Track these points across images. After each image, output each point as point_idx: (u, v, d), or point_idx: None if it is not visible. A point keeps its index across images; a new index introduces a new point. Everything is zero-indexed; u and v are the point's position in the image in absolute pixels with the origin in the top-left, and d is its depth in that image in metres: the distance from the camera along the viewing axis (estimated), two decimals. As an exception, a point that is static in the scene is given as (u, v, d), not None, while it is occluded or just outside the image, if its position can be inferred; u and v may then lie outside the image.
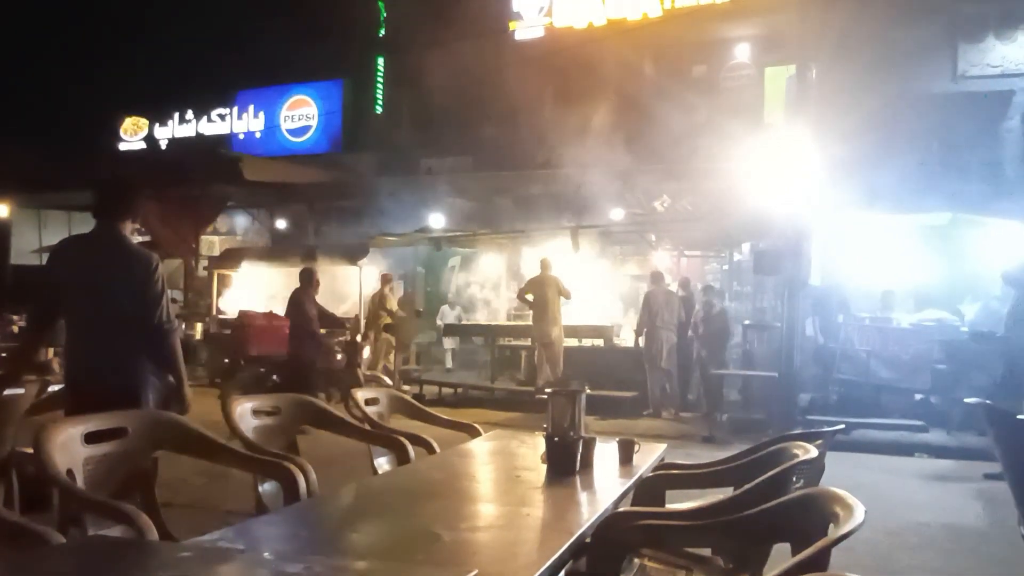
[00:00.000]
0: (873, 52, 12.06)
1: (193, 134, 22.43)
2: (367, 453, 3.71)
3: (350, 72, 20.37)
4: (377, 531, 2.35)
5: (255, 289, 14.58)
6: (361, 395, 4.07)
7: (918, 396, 9.90)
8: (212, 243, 18.18)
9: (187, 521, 3.44)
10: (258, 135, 21.55)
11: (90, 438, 2.64)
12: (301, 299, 9.33)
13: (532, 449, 3.45)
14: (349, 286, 13.45)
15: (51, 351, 6.77)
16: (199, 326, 14.72)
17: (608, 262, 13.49)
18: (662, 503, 3.08)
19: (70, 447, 2.54)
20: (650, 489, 3.10)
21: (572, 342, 11.68)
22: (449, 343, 15.50)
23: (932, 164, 11.51)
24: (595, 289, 12.86)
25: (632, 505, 2.94)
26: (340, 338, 10.17)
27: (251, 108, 21.75)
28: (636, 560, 2.58)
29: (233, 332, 12.59)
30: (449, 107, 16.78)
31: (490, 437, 4.04)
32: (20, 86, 22.39)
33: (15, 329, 11.30)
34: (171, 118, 22.67)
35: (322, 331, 9.77)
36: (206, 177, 15.45)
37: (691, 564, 2.69)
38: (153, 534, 2.30)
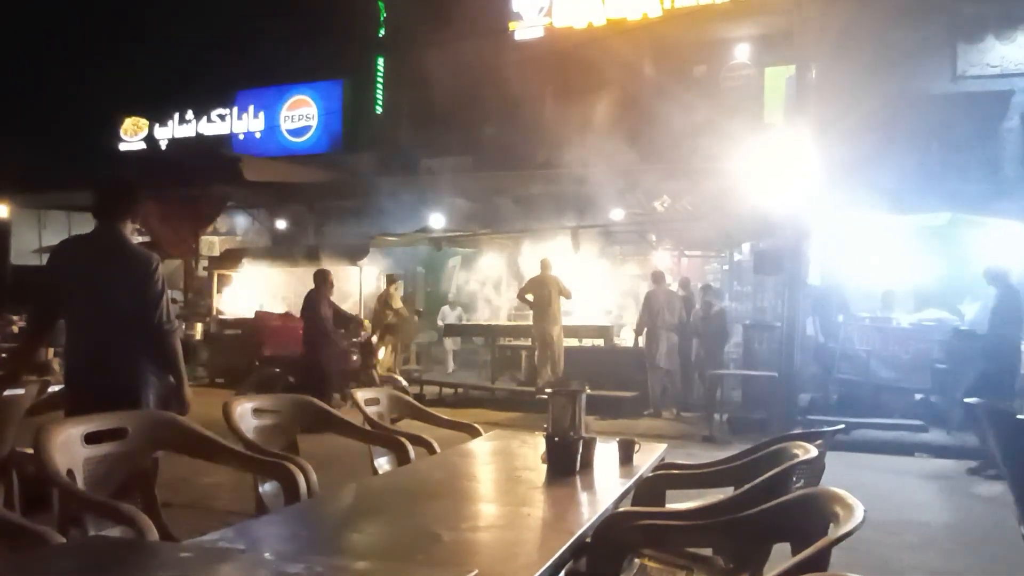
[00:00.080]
0: (873, 52, 12.07)
1: (193, 134, 22.42)
2: (367, 453, 3.71)
3: (350, 72, 20.36)
4: (377, 531, 2.35)
5: (255, 289, 14.60)
6: (361, 395, 4.07)
7: (918, 396, 9.91)
8: (212, 243, 18.18)
9: (187, 521, 3.44)
10: (258, 135, 21.54)
11: (90, 438, 2.64)
12: (315, 300, 9.42)
13: (532, 449, 3.45)
14: (349, 286, 13.45)
15: (51, 351, 6.78)
16: (199, 326, 14.72)
17: (608, 262, 13.49)
18: (662, 503, 3.08)
19: (70, 447, 2.54)
20: (650, 489, 3.10)
21: (572, 342, 11.68)
22: (450, 343, 15.50)
23: (932, 164, 11.53)
24: (595, 289, 12.86)
25: (632, 505, 2.94)
26: (355, 339, 10.19)
27: (251, 108, 21.74)
28: (636, 560, 2.58)
29: (249, 332, 12.68)
30: (449, 107, 16.78)
31: (490, 437, 4.04)
32: (20, 86, 22.40)
33: (15, 329, 11.31)
34: (171, 118, 22.66)
35: (340, 331, 9.81)
36: (206, 177, 15.47)
37: (691, 564, 2.69)
38: (153, 534, 2.30)
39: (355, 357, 10.06)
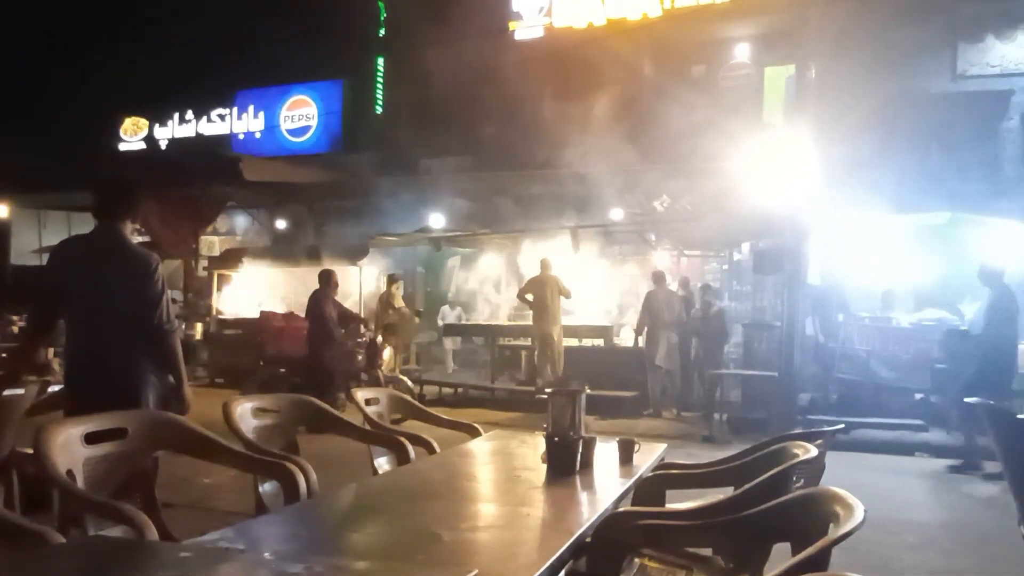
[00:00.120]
0: (872, 52, 12.07)
1: (193, 134, 22.42)
2: (367, 453, 3.71)
3: (350, 72, 20.35)
4: (377, 531, 2.35)
5: (255, 289, 14.60)
6: (361, 395, 4.08)
7: (918, 396, 9.91)
8: (212, 243, 18.18)
9: (187, 521, 3.44)
10: (258, 135, 21.54)
11: (90, 438, 2.64)
12: (320, 300, 9.45)
13: (532, 449, 3.45)
14: (349, 286, 13.46)
15: (51, 351, 6.78)
16: (199, 326, 14.73)
17: (608, 262, 13.49)
18: (662, 503, 3.08)
19: (70, 447, 2.54)
20: (650, 489, 3.10)
21: (572, 342, 11.68)
22: (449, 343, 15.50)
23: (931, 163, 11.53)
24: (595, 289, 12.87)
25: (632, 505, 2.94)
26: (360, 339, 10.21)
27: (251, 108, 21.74)
28: (636, 560, 2.58)
29: (253, 333, 12.69)
30: (449, 107, 16.77)
31: (490, 437, 4.04)
32: (20, 86, 22.39)
33: (15, 329, 11.31)
34: (171, 118, 22.66)
35: (344, 331, 9.83)
36: (206, 177, 15.46)
37: (691, 564, 2.69)
38: (153, 534, 2.30)
39: (360, 357, 10.08)
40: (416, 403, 4.70)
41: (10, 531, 2.03)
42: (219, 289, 15.16)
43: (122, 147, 23.02)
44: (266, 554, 2.02)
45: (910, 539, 5.33)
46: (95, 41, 22.07)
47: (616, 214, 13.26)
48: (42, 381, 4.20)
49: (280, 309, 13.36)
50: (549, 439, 3.01)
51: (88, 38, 22.26)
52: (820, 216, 10.15)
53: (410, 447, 3.56)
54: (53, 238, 14.78)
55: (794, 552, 1.96)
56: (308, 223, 16.74)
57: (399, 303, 12.55)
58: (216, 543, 1.99)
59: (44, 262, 4.28)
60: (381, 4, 19.63)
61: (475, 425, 4.14)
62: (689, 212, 12.84)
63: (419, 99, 17.97)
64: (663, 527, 2.41)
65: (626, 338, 12.00)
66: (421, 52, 15.69)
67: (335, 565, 1.80)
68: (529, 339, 11.79)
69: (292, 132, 21.15)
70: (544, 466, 3.02)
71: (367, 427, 3.87)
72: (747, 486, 2.56)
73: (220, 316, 14.67)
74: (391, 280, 12.66)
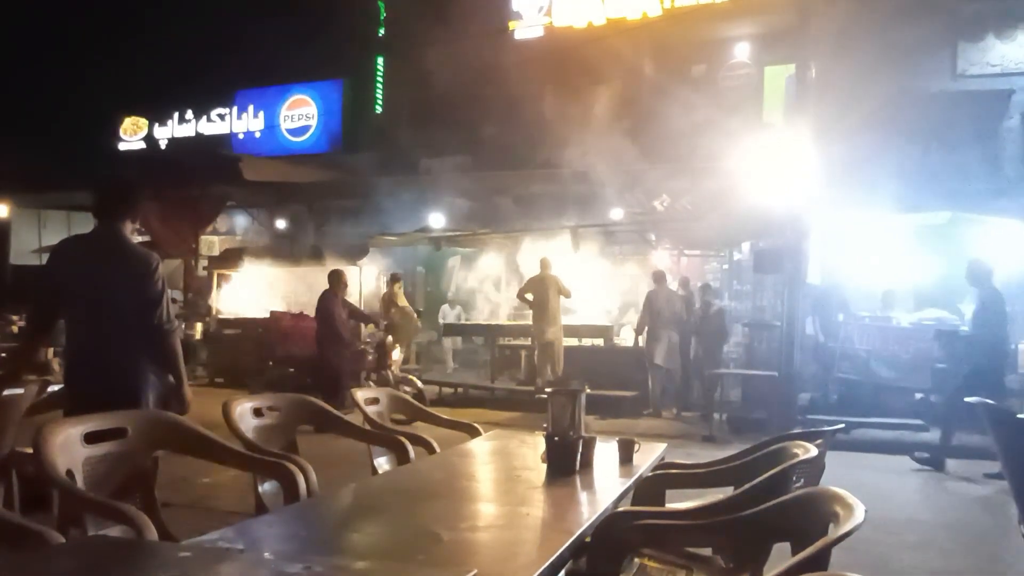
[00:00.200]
0: (873, 51, 12.06)
1: (193, 134, 22.42)
2: (367, 453, 3.71)
3: (350, 72, 20.35)
4: (377, 531, 2.35)
5: (254, 289, 14.59)
6: (361, 395, 4.08)
7: (918, 395, 9.90)
8: (212, 243, 18.18)
9: (187, 521, 3.44)
10: (258, 135, 21.53)
11: (90, 438, 2.64)
12: (329, 300, 9.47)
13: (532, 449, 3.45)
14: (349, 285, 13.46)
15: (51, 351, 6.78)
16: (199, 326, 14.73)
17: (608, 262, 13.49)
18: (662, 503, 3.08)
19: (70, 447, 2.54)
20: (650, 489, 3.10)
21: (572, 342, 11.68)
22: (449, 343, 15.50)
23: (932, 163, 11.53)
24: (595, 289, 12.87)
25: (632, 505, 2.94)
26: (368, 339, 10.23)
27: (251, 108, 21.73)
28: (636, 560, 2.58)
29: (254, 332, 12.70)
30: (449, 107, 16.76)
31: (490, 437, 4.04)
32: (20, 86, 22.38)
33: (15, 329, 11.31)
34: (171, 118, 22.65)
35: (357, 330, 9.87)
36: (206, 177, 15.46)
37: (691, 564, 2.69)
38: (153, 534, 2.30)
39: (371, 357, 10.09)
40: (416, 403, 4.69)
41: (10, 531, 2.03)
42: (219, 288, 15.16)
43: (122, 147, 23.01)
44: (266, 554, 2.02)
45: (910, 539, 5.33)
46: (95, 41, 22.07)
47: (616, 214, 13.26)
48: (42, 381, 4.20)
49: (280, 309, 13.36)
50: (549, 439, 3.01)
51: (88, 38, 22.27)
52: (820, 216, 10.15)
53: (410, 447, 3.56)
54: (53, 238, 14.78)
55: (794, 552, 1.96)
56: (308, 223, 16.74)
57: (402, 302, 12.56)
58: (216, 543, 1.98)
59: (44, 262, 4.27)
60: (381, 4, 19.62)
61: (475, 425, 4.14)
62: (689, 212, 12.83)
63: (419, 99, 17.97)
64: (663, 527, 2.41)
65: (626, 338, 12.01)
66: (421, 52, 15.68)
67: (335, 565, 1.80)
68: (529, 339, 11.79)
69: (292, 132, 21.15)
70: (544, 466, 3.02)
71: (367, 427, 3.87)
72: (747, 486, 2.56)
73: (220, 316, 14.68)
74: (394, 279, 12.67)
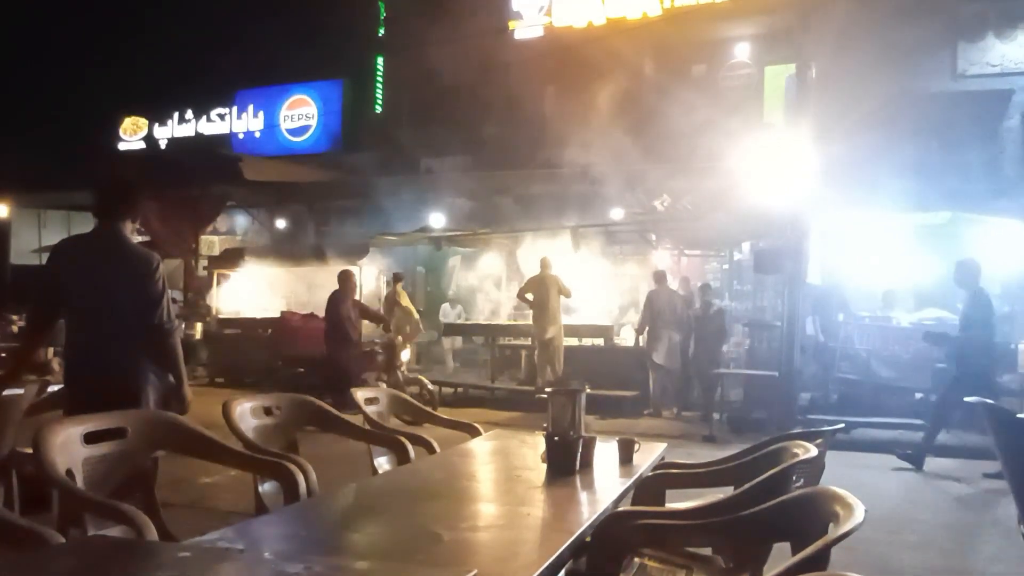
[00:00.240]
0: (873, 51, 12.07)
1: (193, 134, 22.43)
2: (367, 453, 3.71)
3: (350, 72, 20.36)
4: (377, 531, 2.35)
5: (256, 289, 14.60)
6: (361, 395, 4.07)
7: (918, 395, 9.90)
8: (212, 243, 18.19)
9: (187, 521, 3.44)
10: (258, 135, 21.54)
11: (90, 438, 2.64)
12: (338, 301, 9.48)
13: (532, 449, 3.45)
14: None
15: (51, 351, 6.78)
16: (199, 326, 14.73)
17: (608, 261, 13.49)
18: (662, 503, 3.08)
19: (70, 447, 2.54)
20: (650, 488, 3.10)
21: (572, 341, 11.68)
22: (449, 342, 15.50)
23: (932, 163, 11.52)
24: (595, 288, 12.86)
25: (632, 505, 2.94)
26: (378, 340, 10.23)
27: (251, 108, 21.74)
28: (636, 560, 2.58)
29: (255, 331, 12.68)
30: (449, 106, 16.79)
31: (490, 437, 4.04)
32: (20, 86, 22.40)
33: (15, 329, 11.30)
34: (171, 118, 22.66)
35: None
36: (206, 177, 15.47)
37: (691, 564, 2.69)
38: (153, 534, 2.30)
39: (380, 358, 10.09)
40: (415, 402, 4.69)
41: (10, 531, 2.03)
42: (219, 288, 15.17)
43: (122, 147, 23.03)
44: (266, 554, 2.02)
45: (910, 538, 5.33)
46: (95, 41, 22.09)
47: (617, 213, 13.26)
48: (42, 381, 4.20)
49: (280, 308, 13.36)
50: (549, 439, 3.01)
51: (88, 38, 22.29)
52: (820, 216, 10.15)
53: (410, 447, 3.56)
54: (53, 238, 14.79)
55: (794, 552, 1.96)
56: (308, 223, 16.75)
57: (405, 302, 12.57)
58: (216, 543, 1.98)
59: (44, 262, 4.27)
60: (381, 4, 19.63)
61: (475, 425, 4.13)
62: (690, 212, 12.84)
63: (419, 98, 17.99)
64: (663, 527, 2.41)
65: (626, 337, 12.00)
66: (421, 51, 15.68)
67: (335, 565, 1.80)
68: (529, 339, 11.79)
69: (292, 132, 21.15)
70: (544, 466, 3.02)
71: (367, 427, 3.87)
72: (747, 486, 2.55)
73: (220, 316, 14.68)
74: (396, 279, 12.68)
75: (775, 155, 9.72)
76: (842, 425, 4.07)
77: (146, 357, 3.66)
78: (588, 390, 3.16)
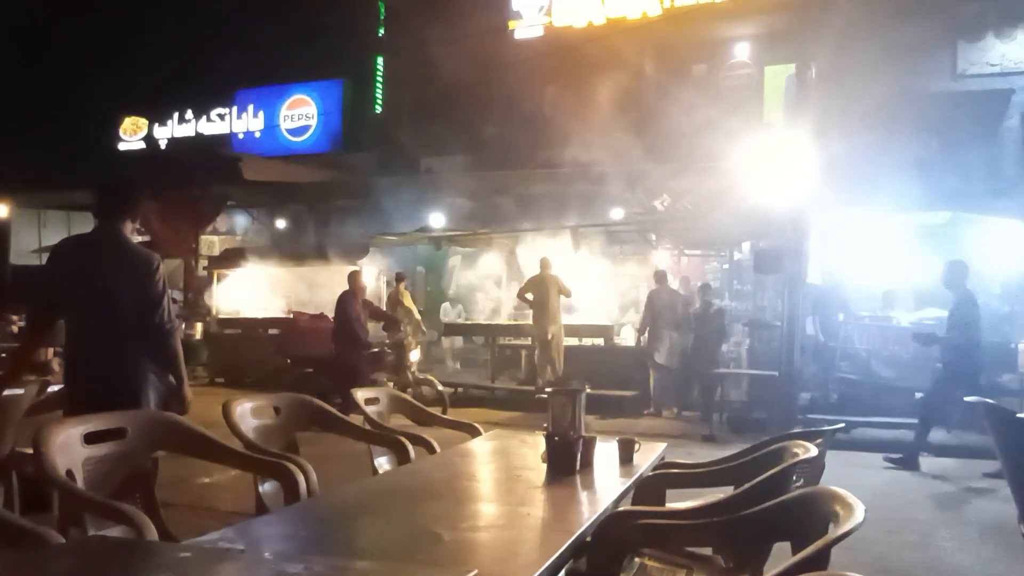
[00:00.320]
0: (873, 51, 12.07)
1: (193, 134, 22.43)
2: (367, 453, 3.71)
3: (350, 72, 20.36)
4: (377, 531, 2.35)
5: (256, 289, 14.60)
6: (361, 395, 4.07)
7: (918, 395, 9.88)
8: (212, 243, 18.19)
9: (187, 521, 3.44)
10: (258, 135, 21.54)
11: (90, 438, 2.64)
12: (347, 301, 9.48)
13: (532, 448, 3.45)
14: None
15: (51, 351, 6.78)
16: (199, 326, 14.73)
17: (608, 261, 13.49)
18: (662, 502, 3.08)
19: (70, 447, 2.54)
20: (650, 488, 3.10)
21: (572, 341, 11.68)
22: (449, 342, 15.50)
23: (932, 163, 11.52)
24: (595, 288, 12.86)
25: (632, 504, 2.94)
26: (387, 340, 10.23)
27: (251, 108, 21.74)
28: (636, 559, 2.58)
29: (255, 331, 12.65)
30: (449, 106, 16.77)
31: (490, 437, 4.04)
32: (20, 86, 22.38)
33: (15, 329, 11.30)
34: (171, 118, 22.66)
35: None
36: (206, 177, 15.48)
37: (691, 563, 2.69)
38: (153, 534, 2.30)
39: (390, 358, 10.08)
40: (415, 402, 4.70)
41: (10, 531, 2.03)
42: (219, 287, 15.17)
43: (122, 147, 23.03)
44: (266, 554, 2.02)
45: (910, 538, 5.33)
46: (95, 41, 22.08)
47: (617, 213, 13.26)
48: (42, 381, 4.20)
49: (280, 308, 13.37)
50: (549, 439, 3.01)
51: (88, 37, 22.27)
52: (820, 215, 10.15)
53: (410, 447, 3.56)
54: (53, 238, 14.77)
55: (794, 552, 1.96)
56: (308, 222, 16.75)
57: (408, 302, 12.57)
58: (216, 543, 1.98)
59: (44, 262, 4.27)
60: (381, 4, 19.63)
61: (475, 425, 4.14)
62: (690, 211, 12.84)
63: (419, 98, 17.98)
64: (663, 527, 2.41)
65: (627, 337, 12.00)
66: (421, 51, 15.68)
67: (335, 565, 1.80)
68: (529, 338, 11.79)
69: (292, 132, 21.15)
70: (544, 466, 3.02)
71: (367, 427, 3.87)
72: (747, 485, 2.55)
73: (220, 316, 14.68)
74: (399, 279, 12.68)
75: (775, 155, 9.72)
76: (842, 425, 4.07)
77: (146, 357, 3.66)
78: (588, 390, 3.16)
